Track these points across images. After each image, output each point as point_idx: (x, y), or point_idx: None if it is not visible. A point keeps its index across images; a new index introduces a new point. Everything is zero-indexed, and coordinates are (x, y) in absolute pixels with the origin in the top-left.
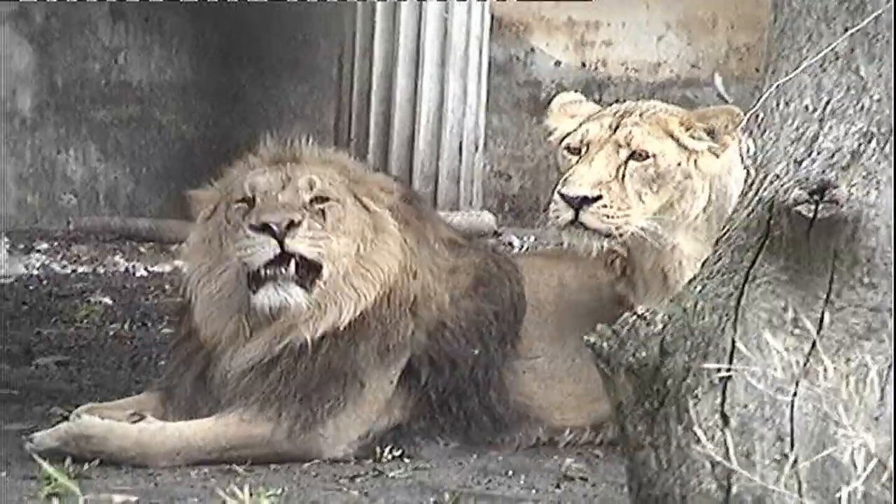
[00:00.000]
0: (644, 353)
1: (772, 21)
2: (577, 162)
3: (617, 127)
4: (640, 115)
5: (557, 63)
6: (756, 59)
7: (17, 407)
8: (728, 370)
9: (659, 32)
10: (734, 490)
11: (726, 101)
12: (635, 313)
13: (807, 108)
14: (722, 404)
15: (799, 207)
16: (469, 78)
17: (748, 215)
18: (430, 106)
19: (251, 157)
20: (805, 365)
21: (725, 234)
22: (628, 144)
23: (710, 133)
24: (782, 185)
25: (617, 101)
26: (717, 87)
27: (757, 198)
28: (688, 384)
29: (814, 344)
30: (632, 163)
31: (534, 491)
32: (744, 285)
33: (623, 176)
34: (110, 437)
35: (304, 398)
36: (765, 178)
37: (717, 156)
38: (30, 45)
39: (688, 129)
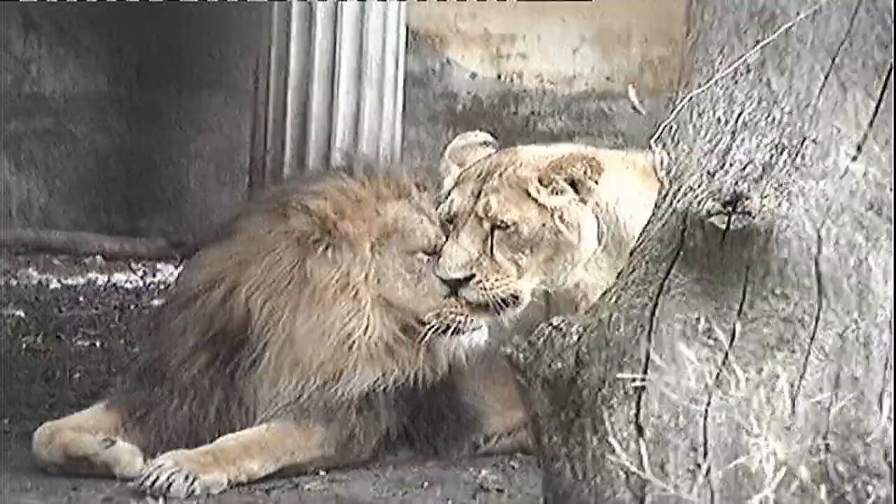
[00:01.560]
0: (560, 364)
1: (684, 34)
2: (448, 238)
3: (479, 194)
4: (500, 175)
5: (473, 75)
6: (670, 71)
7: None
8: (643, 381)
9: (574, 45)
10: (648, 500)
11: (640, 113)
12: (550, 324)
13: (719, 119)
14: (636, 415)
15: (712, 219)
16: (385, 90)
17: (662, 226)
18: (346, 118)
19: (382, 188)
20: (718, 375)
21: (640, 244)
22: (487, 216)
23: (572, 182)
24: (696, 197)
25: (533, 113)
26: (631, 100)
27: (671, 209)
28: (603, 395)
29: (726, 354)
30: (498, 232)
31: (450, 502)
32: (658, 296)
33: (492, 247)
34: None
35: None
36: (678, 189)
37: (585, 202)
38: None
39: (548, 185)
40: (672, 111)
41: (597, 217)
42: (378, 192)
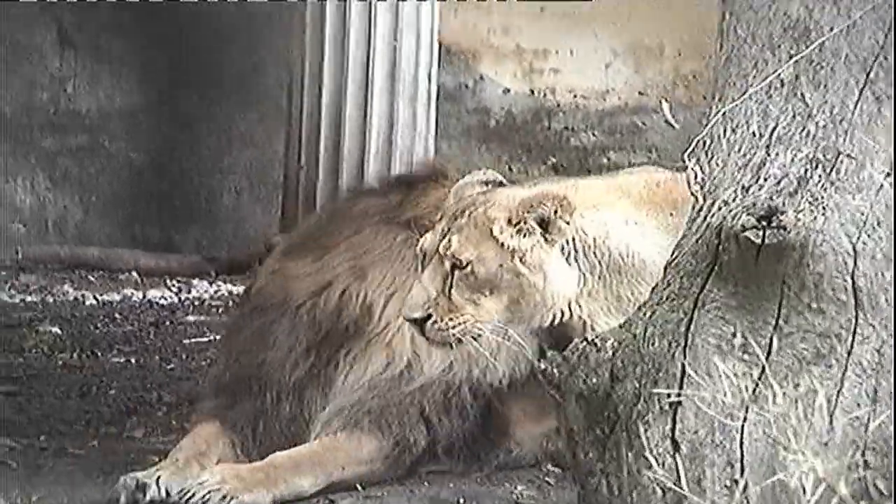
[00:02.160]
0: (595, 380)
1: (718, 48)
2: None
3: (447, 233)
4: (469, 214)
5: (506, 91)
6: (703, 86)
7: None
8: (678, 396)
9: (606, 60)
10: None
11: (674, 128)
12: (585, 339)
13: (753, 134)
14: (672, 430)
15: (747, 233)
16: (418, 105)
17: (697, 241)
18: (379, 133)
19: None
20: (754, 390)
21: (674, 259)
22: (447, 254)
23: (542, 222)
24: (730, 211)
25: (566, 128)
26: (664, 114)
27: (705, 224)
28: (638, 410)
29: (763, 369)
30: (457, 272)
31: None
32: (693, 311)
33: (450, 287)
34: None
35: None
36: (713, 204)
37: (552, 242)
38: None
39: (517, 225)
40: (706, 125)
41: (576, 254)
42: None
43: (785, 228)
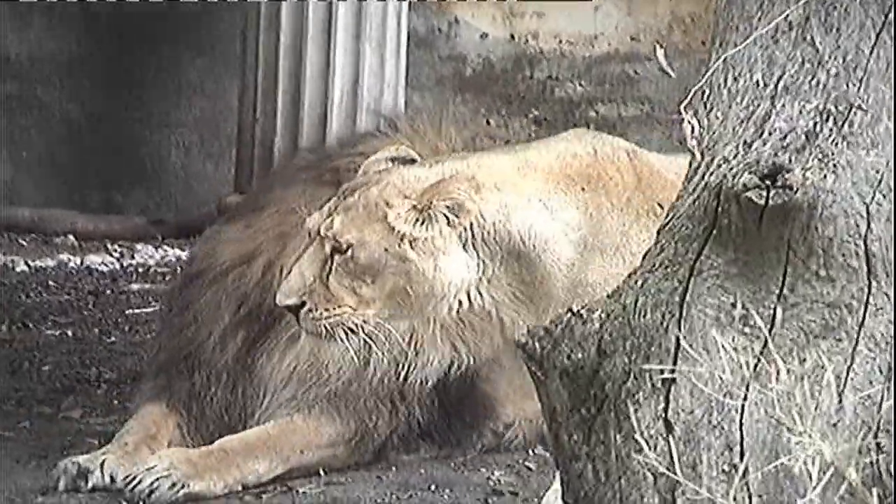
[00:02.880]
0: (580, 355)
1: None
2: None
3: (332, 213)
4: (360, 194)
5: (484, 35)
6: (702, 30)
7: None
8: (672, 372)
9: (596, 2)
10: (678, 503)
11: (669, 76)
12: (570, 310)
13: (757, 83)
14: (665, 410)
15: (749, 193)
16: (387, 51)
17: (693, 202)
18: (343, 82)
19: (438, 143)
20: (756, 366)
21: (668, 223)
22: (328, 236)
23: (454, 207)
24: (730, 170)
25: (550, 77)
26: (659, 62)
27: (703, 183)
28: (628, 388)
29: (765, 343)
30: (337, 256)
31: None
32: (689, 279)
33: (329, 273)
34: None
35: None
36: (711, 161)
37: (457, 227)
38: None
39: (423, 211)
40: (704, 74)
41: (473, 240)
42: (434, 148)
43: (791, 188)
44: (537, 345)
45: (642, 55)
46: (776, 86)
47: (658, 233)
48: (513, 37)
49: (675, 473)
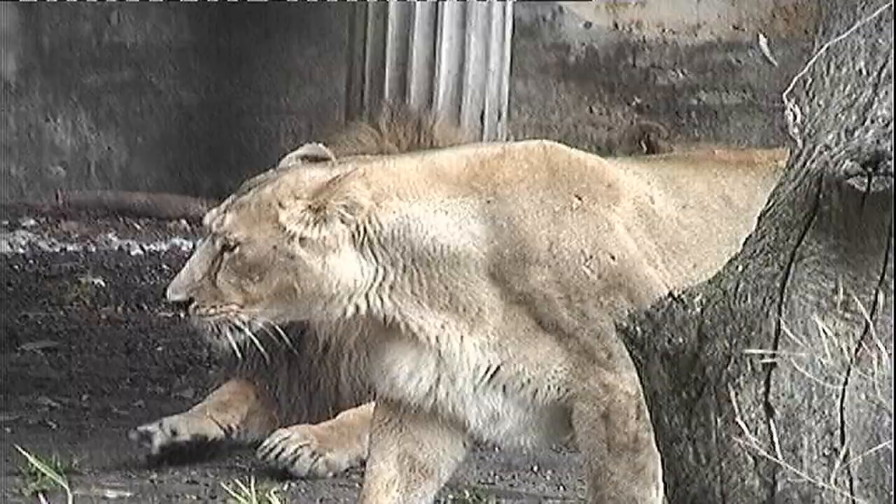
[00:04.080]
0: (681, 339)
1: None
2: None
3: (226, 210)
4: (254, 192)
5: (587, 25)
6: (805, 19)
7: (1, 396)
8: (773, 357)
9: None
10: (779, 487)
11: (772, 65)
12: (671, 295)
13: (860, 72)
14: (766, 394)
15: (851, 180)
16: (491, 40)
17: (794, 189)
18: (449, 70)
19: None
20: (857, 351)
21: (770, 209)
22: (218, 232)
23: (349, 206)
24: (832, 157)
25: (653, 65)
26: (762, 50)
27: (804, 170)
28: (728, 372)
29: (866, 328)
30: (226, 253)
31: (561, 488)
32: (790, 265)
33: (217, 270)
34: None
35: None
36: (813, 148)
37: (350, 225)
38: (14, 4)
39: (318, 211)
40: (807, 62)
41: (371, 246)
42: (384, 145)
43: (893, 175)
44: (639, 329)
45: (745, 44)
46: (879, 74)
47: (759, 218)
48: (616, 25)
49: (776, 457)
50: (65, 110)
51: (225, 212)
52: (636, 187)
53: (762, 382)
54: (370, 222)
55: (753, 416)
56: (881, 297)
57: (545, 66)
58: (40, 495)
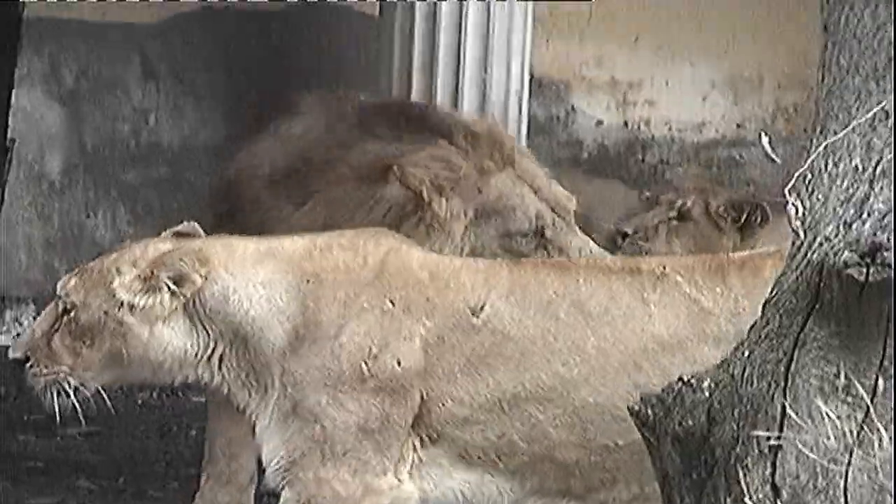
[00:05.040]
0: (691, 422)
1: (820, 80)
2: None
3: (74, 273)
4: (102, 259)
5: (599, 122)
6: (804, 118)
7: (43, 479)
8: (778, 439)
9: (703, 91)
10: None
11: (774, 161)
12: (681, 379)
13: (857, 168)
14: (773, 475)
15: (850, 270)
16: None
17: (797, 278)
18: None
19: (485, 159)
20: (859, 433)
21: (773, 297)
22: (61, 294)
23: (176, 280)
24: (832, 248)
25: (661, 161)
26: (763, 148)
27: (805, 261)
28: (737, 453)
29: (867, 411)
30: (65, 317)
31: None
32: (793, 350)
33: (55, 331)
34: None
35: None
36: (814, 240)
37: (181, 298)
38: (60, 107)
39: (146, 280)
40: (807, 159)
41: (198, 314)
42: (481, 164)
43: (889, 265)
44: (650, 412)
45: (747, 141)
46: (874, 170)
47: (763, 307)
48: (626, 123)
49: None
50: (105, 206)
51: (72, 276)
52: (463, 300)
53: (769, 464)
54: (200, 295)
55: (761, 496)
56: (881, 381)
57: (559, 162)
58: None
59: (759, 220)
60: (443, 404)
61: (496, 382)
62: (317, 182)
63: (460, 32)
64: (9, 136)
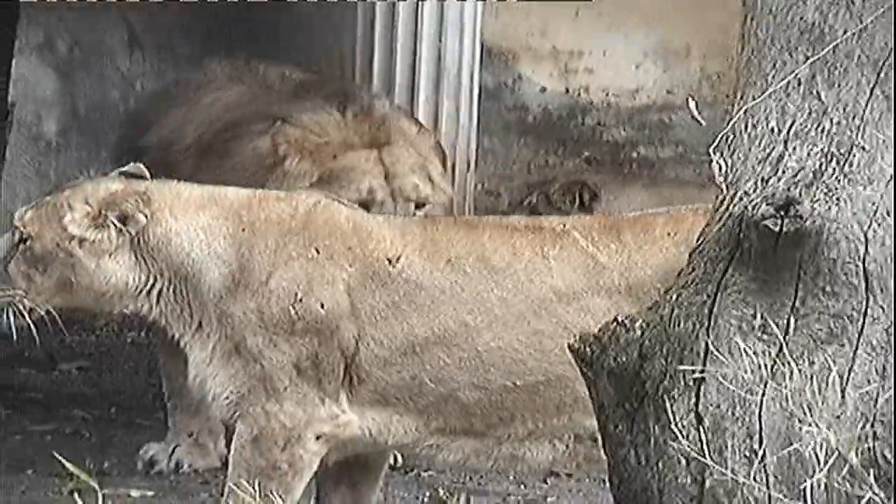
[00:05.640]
0: (624, 358)
1: (740, 50)
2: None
3: (32, 206)
4: (55, 194)
5: (543, 89)
6: (726, 85)
7: (41, 409)
8: (702, 372)
9: (637, 61)
10: (707, 483)
11: (700, 124)
12: (615, 320)
13: (772, 130)
14: (696, 405)
15: (766, 222)
16: (461, 101)
17: (719, 229)
18: (426, 126)
19: (361, 133)
20: (773, 367)
21: (699, 246)
22: (17, 224)
23: (123, 218)
24: (751, 202)
25: (599, 124)
26: (691, 111)
27: (727, 213)
28: (665, 386)
29: (781, 348)
30: (21, 245)
31: (522, 486)
32: (716, 294)
33: (10, 258)
34: None
35: None
36: (734, 195)
37: (126, 235)
38: (54, 74)
39: (95, 218)
40: (728, 122)
41: (141, 251)
42: (354, 136)
43: (801, 217)
44: (588, 349)
45: (676, 105)
46: (788, 132)
47: (690, 255)
48: (567, 90)
49: (705, 458)
50: (96, 165)
51: (28, 208)
52: (382, 251)
53: (693, 395)
54: (144, 234)
55: (686, 423)
56: (792, 321)
57: (507, 125)
58: (75, 494)
59: (589, 197)
60: (367, 345)
61: (410, 327)
62: (222, 148)
63: (417, 7)
64: (9, 101)
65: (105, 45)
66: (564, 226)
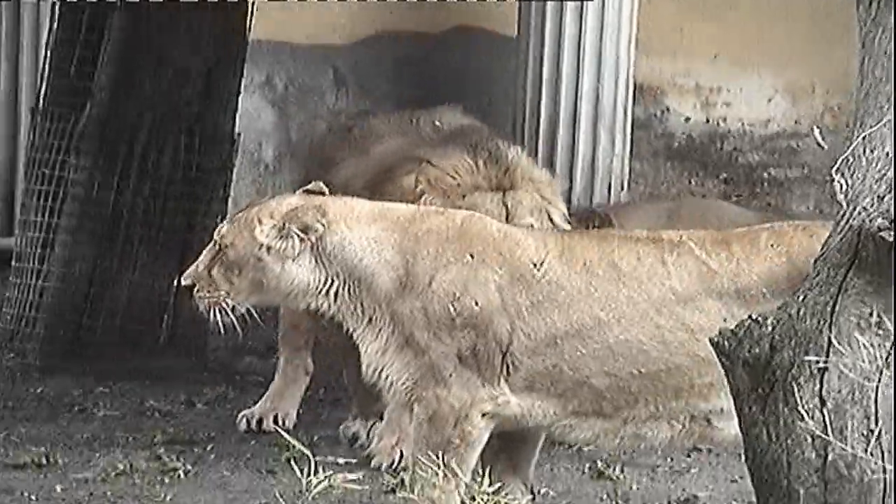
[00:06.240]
0: (757, 350)
1: (859, 86)
2: None
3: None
4: (247, 210)
5: (687, 119)
6: (846, 115)
7: (261, 390)
8: (825, 362)
9: (769, 95)
10: (829, 458)
11: (823, 149)
12: (750, 317)
13: (887, 154)
14: (820, 390)
15: (881, 234)
16: (616, 132)
17: (840, 240)
18: (584, 155)
19: (489, 178)
20: (887, 358)
21: (823, 254)
22: (216, 236)
23: (304, 228)
24: (868, 216)
25: (735, 149)
26: (815, 138)
27: (847, 225)
28: (793, 374)
29: (894, 341)
30: (220, 254)
31: (669, 459)
32: (837, 295)
33: (214, 265)
34: None
35: None
36: (854, 209)
37: (307, 242)
38: (272, 108)
39: (281, 229)
40: (848, 147)
41: (320, 257)
42: (483, 180)
43: None
44: (726, 342)
45: (803, 133)
46: None
47: (814, 262)
48: (708, 120)
49: (828, 436)
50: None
51: (225, 223)
52: (528, 256)
53: (817, 382)
54: (321, 241)
55: (811, 406)
56: None
57: (656, 151)
58: (291, 461)
59: (602, 226)
60: (518, 337)
61: (552, 322)
62: (380, 186)
63: (579, 51)
64: (236, 131)
65: (315, 84)
66: (681, 237)
